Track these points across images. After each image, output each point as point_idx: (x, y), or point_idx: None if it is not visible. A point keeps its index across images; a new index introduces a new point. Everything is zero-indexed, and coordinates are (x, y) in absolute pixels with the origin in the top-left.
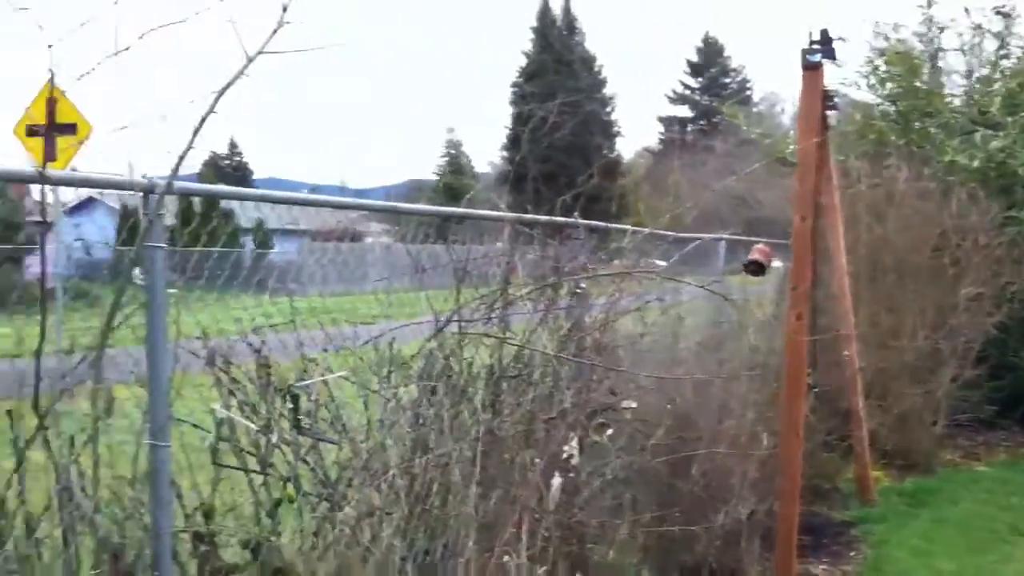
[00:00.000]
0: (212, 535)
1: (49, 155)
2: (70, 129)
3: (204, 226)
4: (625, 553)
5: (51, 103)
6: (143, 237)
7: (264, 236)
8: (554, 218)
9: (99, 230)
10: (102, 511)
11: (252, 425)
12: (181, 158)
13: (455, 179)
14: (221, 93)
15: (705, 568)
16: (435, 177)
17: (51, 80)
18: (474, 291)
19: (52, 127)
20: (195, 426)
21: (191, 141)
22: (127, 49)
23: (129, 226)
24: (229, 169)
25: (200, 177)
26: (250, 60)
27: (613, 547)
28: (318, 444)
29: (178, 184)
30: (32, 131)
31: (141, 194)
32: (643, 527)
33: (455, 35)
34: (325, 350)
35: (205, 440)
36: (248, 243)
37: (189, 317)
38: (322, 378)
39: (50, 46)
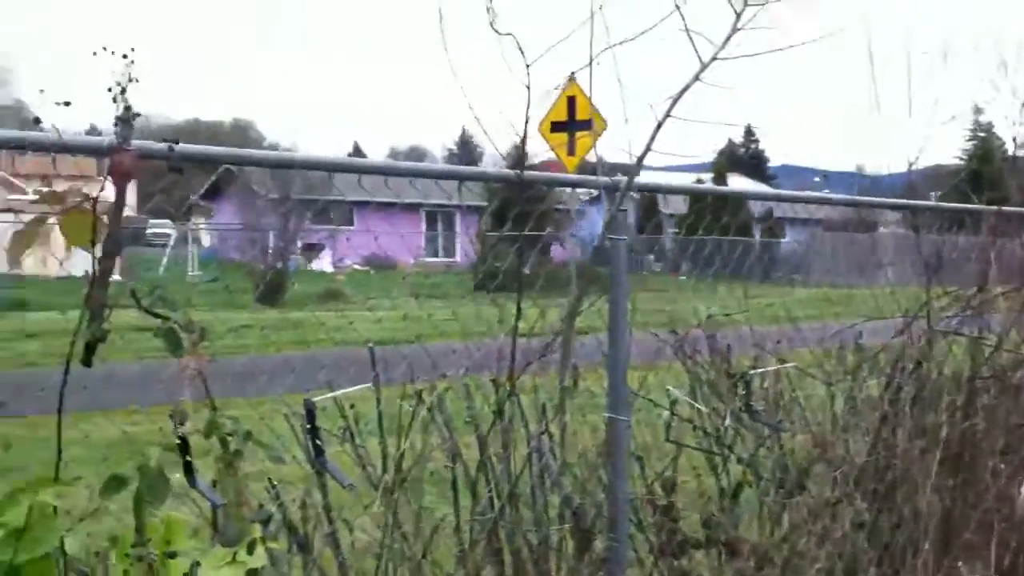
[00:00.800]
0: (671, 507)
1: (570, 149)
2: (586, 125)
3: (717, 217)
4: None
5: (571, 101)
6: (607, 229)
7: (772, 225)
8: None
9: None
10: (567, 473)
11: (701, 407)
12: (640, 160)
13: (982, 164)
14: (676, 99)
15: None
16: (959, 161)
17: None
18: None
19: (572, 123)
20: (652, 402)
21: (648, 144)
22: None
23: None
24: (745, 156)
25: (713, 166)
26: (704, 67)
27: None
28: (777, 432)
29: (637, 181)
30: (555, 127)
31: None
32: None
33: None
34: (778, 342)
35: (660, 417)
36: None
37: (643, 305)
38: (776, 367)
39: (527, 66)
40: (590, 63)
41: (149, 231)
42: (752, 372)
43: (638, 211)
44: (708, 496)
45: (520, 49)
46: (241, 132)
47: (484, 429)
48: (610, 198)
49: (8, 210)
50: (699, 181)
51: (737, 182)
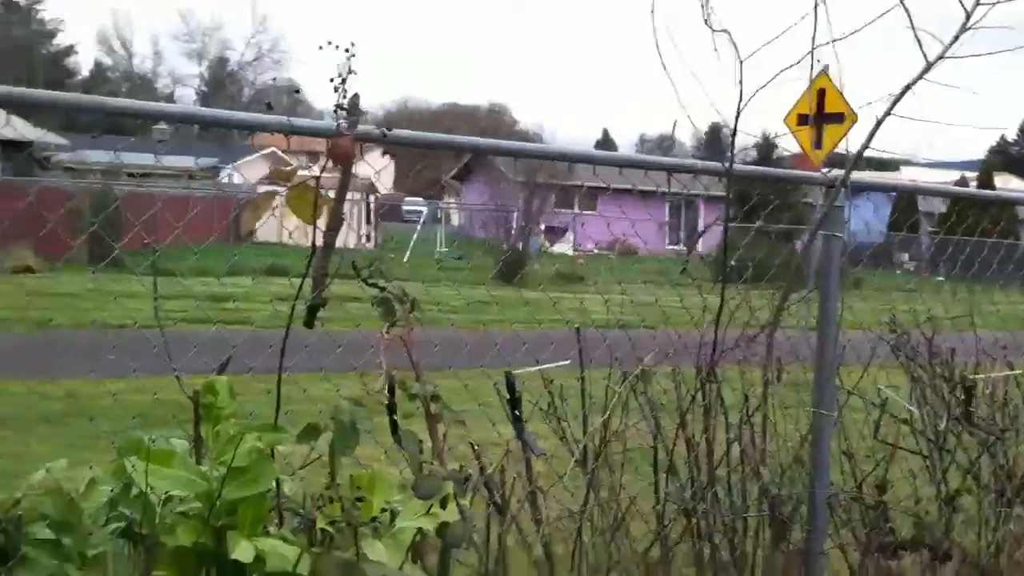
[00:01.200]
0: (880, 505)
1: (816, 142)
2: (836, 118)
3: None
4: None
5: (820, 94)
6: (818, 226)
7: None
8: None
9: (873, 215)
10: (766, 463)
11: (914, 409)
12: (857, 156)
13: None
14: (898, 98)
15: None
16: None
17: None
18: None
19: (821, 116)
20: (861, 397)
21: (865, 143)
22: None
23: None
24: (1019, 155)
25: (983, 164)
26: (929, 66)
27: None
28: (1000, 439)
29: (854, 177)
30: (802, 120)
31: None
32: None
33: None
34: (1003, 347)
35: (869, 416)
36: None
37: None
38: (1002, 374)
39: (740, 61)
40: (811, 57)
41: (405, 208)
42: (974, 377)
43: (892, 208)
44: (919, 499)
45: (734, 44)
46: (496, 116)
47: (684, 409)
48: (825, 194)
49: (269, 182)
50: (962, 179)
51: (1005, 182)
